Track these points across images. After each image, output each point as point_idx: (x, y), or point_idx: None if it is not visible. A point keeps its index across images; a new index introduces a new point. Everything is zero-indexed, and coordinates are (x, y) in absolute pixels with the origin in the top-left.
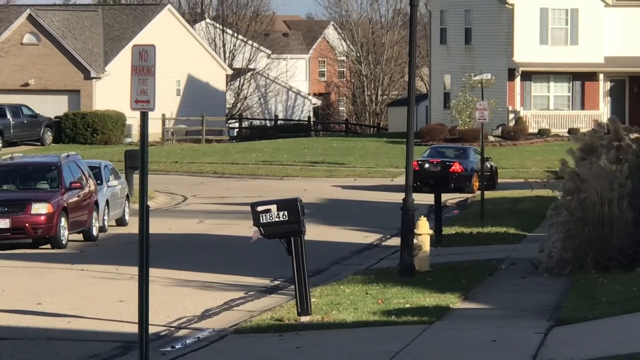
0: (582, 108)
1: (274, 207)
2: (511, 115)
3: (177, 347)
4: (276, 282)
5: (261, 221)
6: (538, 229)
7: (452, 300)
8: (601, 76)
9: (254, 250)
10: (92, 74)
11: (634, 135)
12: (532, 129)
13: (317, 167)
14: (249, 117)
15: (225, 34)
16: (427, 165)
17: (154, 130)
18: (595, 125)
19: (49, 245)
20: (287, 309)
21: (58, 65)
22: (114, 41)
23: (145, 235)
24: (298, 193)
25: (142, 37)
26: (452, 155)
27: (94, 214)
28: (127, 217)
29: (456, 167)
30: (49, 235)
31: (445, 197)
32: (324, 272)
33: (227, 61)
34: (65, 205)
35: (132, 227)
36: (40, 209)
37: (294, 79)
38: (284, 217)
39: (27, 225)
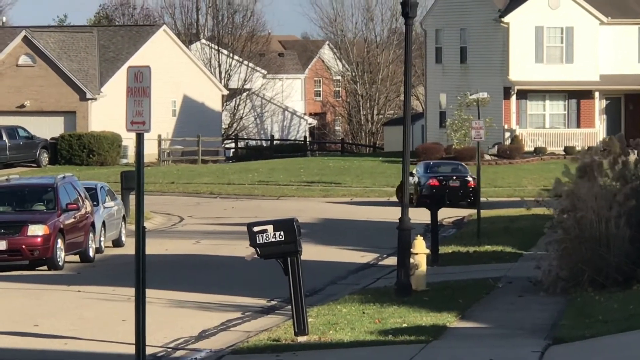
0: (578, 126)
1: (270, 228)
2: (507, 134)
3: None
4: (273, 302)
5: (258, 241)
6: (534, 248)
7: (449, 320)
8: (597, 94)
9: (251, 271)
10: (88, 95)
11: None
12: (528, 147)
13: (313, 187)
14: (245, 137)
15: (220, 54)
16: (446, 182)
17: (150, 151)
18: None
19: (45, 267)
20: (284, 329)
21: (54, 87)
22: (110, 62)
23: (142, 256)
24: (294, 213)
25: (138, 58)
26: (450, 170)
27: (91, 235)
28: (123, 238)
29: (472, 182)
30: (46, 256)
31: (441, 216)
32: (320, 292)
33: (222, 81)
34: (62, 226)
35: (129, 248)
36: (37, 230)
37: (289, 99)
38: (281, 237)
39: (23, 246)
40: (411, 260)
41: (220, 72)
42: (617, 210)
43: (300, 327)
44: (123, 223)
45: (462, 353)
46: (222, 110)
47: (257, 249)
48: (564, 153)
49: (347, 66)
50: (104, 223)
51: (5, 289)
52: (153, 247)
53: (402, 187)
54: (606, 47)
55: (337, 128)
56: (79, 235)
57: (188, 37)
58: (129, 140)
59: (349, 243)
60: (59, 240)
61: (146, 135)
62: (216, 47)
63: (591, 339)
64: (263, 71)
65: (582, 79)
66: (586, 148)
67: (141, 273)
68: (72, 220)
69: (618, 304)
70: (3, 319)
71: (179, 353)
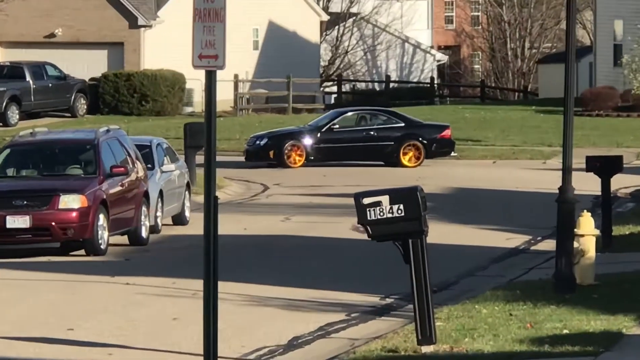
0: None
1: (385, 199)
2: None
3: None
4: (388, 300)
5: (369, 218)
6: None
7: (626, 324)
8: None
9: (359, 257)
10: (140, 21)
11: None
12: None
13: None
14: (352, 78)
15: None
16: None
17: (224, 96)
18: None
19: (82, 251)
20: (404, 335)
21: (94, 10)
22: None
23: (214, 238)
24: (415, 181)
25: None
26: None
27: (143, 209)
28: (187, 214)
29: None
30: (83, 237)
31: (615, 185)
32: (453, 287)
33: (321, 3)
34: (105, 197)
35: (195, 226)
36: (71, 202)
37: (411, 27)
38: (399, 212)
39: (53, 224)
40: (575, 244)
41: None
42: None
43: (426, 334)
44: (187, 193)
45: None
46: (321, 42)
47: (368, 228)
48: None
49: None
50: (161, 193)
51: (31, 280)
52: (228, 225)
53: (564, 147)
54: None
55: (475, 67)
56: (127, 209)
57: None
58: (195, 81)
59: (490, 221)
60: (101, 216)
61: (219, 75)
62: None
63: None
64: None
65: None
66: None
67: (212, 260)
68: (119, 188)
69: None
70: (28, 320)
71: None
